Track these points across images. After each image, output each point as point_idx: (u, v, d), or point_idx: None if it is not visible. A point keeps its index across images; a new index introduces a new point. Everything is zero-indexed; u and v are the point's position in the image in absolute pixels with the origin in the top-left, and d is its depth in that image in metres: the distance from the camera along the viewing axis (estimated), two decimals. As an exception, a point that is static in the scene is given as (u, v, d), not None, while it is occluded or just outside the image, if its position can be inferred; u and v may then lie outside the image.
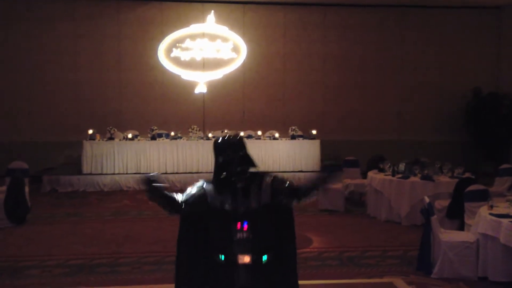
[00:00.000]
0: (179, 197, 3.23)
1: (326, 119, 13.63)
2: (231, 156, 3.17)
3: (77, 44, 12.97)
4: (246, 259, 3.11)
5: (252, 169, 3.22)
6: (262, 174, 3.25)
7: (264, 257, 3.15)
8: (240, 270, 3.11)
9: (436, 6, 13.72)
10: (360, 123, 13.75)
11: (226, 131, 11.93)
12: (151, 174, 3.21)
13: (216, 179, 3.23)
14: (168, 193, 3.21)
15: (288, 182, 3.23)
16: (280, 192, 3.17)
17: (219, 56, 13.27)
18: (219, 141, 3.27)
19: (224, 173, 3.18)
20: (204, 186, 3.23)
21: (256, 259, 3.12)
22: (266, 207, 3.15)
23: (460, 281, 5.61)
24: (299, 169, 11.86)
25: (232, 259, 3.12)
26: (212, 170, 3.28)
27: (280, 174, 3.33)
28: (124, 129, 12.20)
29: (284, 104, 13.60)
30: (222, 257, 3.15)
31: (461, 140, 13.54)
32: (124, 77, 13.16)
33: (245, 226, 3.11)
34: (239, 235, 3.11)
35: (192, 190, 3.25)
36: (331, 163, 3.25)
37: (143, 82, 13.17)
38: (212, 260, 3.19)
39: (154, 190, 3.16)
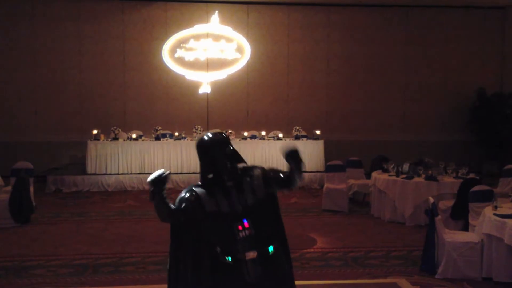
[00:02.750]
0: (177, 207, 3.13)
1: (330, 119, 13.63)
2: (219, 154, 3.11)
3: (81, 44, 13.01)
4: (253, 254, 3.09)
5: (240, 165, 3.20)
6: (251, 168, 3.22)
7: (270, 248, 3.14)
8: (249, 266, 3.08)
9: (440, 6, 13.70)
10: (364, 123, 13.74)
11: (230, 131, 11.92)
12: (160, 176, 3.03)
13: (205, 181, 3.16)
14: (168, 201, 3.08)
15: (278, 171, 3.21)
16: (273, 182, 3.17)
17: (223, 56, 13.28)
18: (205, 139, 3.17)
19: (211, 174, 3.13)
20: (195, 190, 3.13)
21: (262, 252, 3.11)
22: (262, 200, 3.13)
23: (464, 282, 5.61)
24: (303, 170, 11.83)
25: (239, 258, 3.09)
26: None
27: (267, 166, 3.33)
28: (128, 129, 12.23)
29: (288, 104, 13.60)
30: (229, 258, 3.11)
31: (465, 140, 13.51)
32: (128, 77, 13.19)
33: (246, 224, 3.08)
34: (242, 234, 3.07)
35: (184, 196, 3.12)
36: (290, 151, 3.12)
37: (147, 82, 13.19)
38: (218, 261, 3.14)
39: (159, 197, 3.04)
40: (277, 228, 3.28)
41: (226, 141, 3.18)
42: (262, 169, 3.22)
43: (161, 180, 3.03)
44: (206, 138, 3.18)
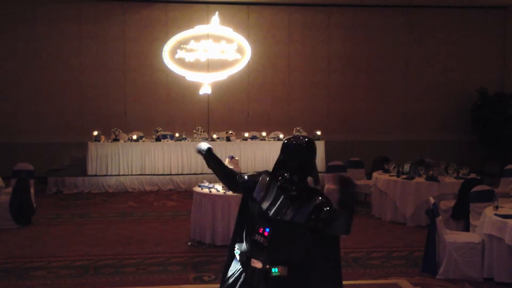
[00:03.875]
0: (237, 176, 3.22)
1: (331, 120, 13.62)
2: (287, 161, 3.04)
3: (82, 45, 13.01)
4: (258, 265, 3.04)
5: (311, 182, 3.09)
6: (316, 191, 3.06)
7: (274, 270, 3.01)
8: (253, 273, 3.07)
9: (441, 6, 13.69)
10: (364, 124, 13.73)
11: (230, 132, 11.92)
12: (208, 146, 3.29)
13: (273, 174, 3.14)
14: (225, 165, 3.27)
15: (332, 211, 2.92)
16: (317, 221, 2.94)
17: (223, 57, 13.27)
18: (286, 141, 3.12)
19: (279, 175, 3.09)
20: (262, 175, 3.15)
21: (267, 269, 3.02)
22: (297, 225, 2.99)
23: (466, 282, 5.60)
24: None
25: (245, 259, 3.09)
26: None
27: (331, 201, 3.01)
28: (128, 130, 12.23)
29: (288, 104, 13.60)
30: (237, 253, 3.15)
31: (466, 141, 13.51)
32: (129, 78, 13.19)
33: (266, 232, 3.00)
34: (257, 237, 3.03)
35: (249, 175, 3.20)
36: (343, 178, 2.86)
37: (148, 83, 13.20)
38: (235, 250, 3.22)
39: (211, 157, 3.26)
40: (304, 263, 3.07)
41: (303, 152, 3.05)
42: (323, 201, 2.99)
43: (208, 147, 3.28)
44: (288, 140, 3.13)
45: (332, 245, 3.13)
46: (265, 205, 3.05)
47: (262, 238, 3.01)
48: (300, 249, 3.04)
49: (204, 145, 3.31)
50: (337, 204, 2.84)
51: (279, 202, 3.03)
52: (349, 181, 2.81)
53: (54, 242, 7.25)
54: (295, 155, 3.04)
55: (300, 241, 3.04)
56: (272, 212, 3.03)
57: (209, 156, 3.27)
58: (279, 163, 3.12)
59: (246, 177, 3.20)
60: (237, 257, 3.17)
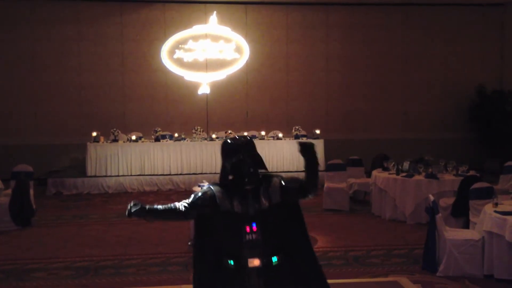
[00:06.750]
0: (182, 204, 3.14)
1: (330, 119, 13.62)
2: (243, 157, 3.11)
3: (80, 46, 13.00)
4: (256, 262, 3.08)
5: (261, 171, 3.19)
6: (270, 176, 3.22)
7: (274, 259, 3.11)
8: (250, 274, 3.08)
9: (439, 4, 13.69)
10: (363, 122, 13.74)
11: (230, 131, 11.92)
12: (133, 205, 3.02)
13: (224, 181, 3.19)
14: (163, 206, 3.12)
15: (295, 180, 3.20)
16: (289, 191, 3.15)
17: (222, 56, 13.27)
18: (230, 142, 3.21)
19: (231, 176, 3.14)
20: (212, 189, 3.17)
21: (266, 261, 3.09)
22: (276, 207, 3.12)
23: (466, 279, 5.61)
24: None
25: (242, 264, 3.09)
26: (217, 171, 3.27)
27: (287, 175, 3.29)
28: (128, 131, 12.22)
29: (287, 104, 13.60)
30: (232, 262, 3.12)
31: (465, 138, 13.52)
32: (127, 79, 13.19)
33: (254, 227, 3.07)
34: (248, 237, 3.07)
35: (199, 192, 3.19)
36: (303, 143, 3.17)
37: (147, 84, 13.19)
38: (221, 265, 3.15)
39: (149, 212, 3.06)
40: (292, 238, 3.22)
41: (252, 145, 3.21)
42: (281, 178, 3.21)
43: (136, 209, 3.02)
44: (232, 141, 3.22)
45: (305, 233, 3.29)
46: (238, 208, 3.10)
47: (253, 235, 3.07)
48: (288, 232, 3.18)
49: (133, 208, 3.02)
50: (305, 166, 3.16)
51: (248, 199, 3.12)
52: (308, 144, 3.15)
53: (54, 244, 7.25)
54: (249, 149, 3.16)
55: (285, 225, 3.18)
56: (248, 209, 3.10)
57: (144, 213, 3.05)
58: (233, 166, 3.12)
59: (193, 200, 3.15)
60: (232, 266, 3.12)
